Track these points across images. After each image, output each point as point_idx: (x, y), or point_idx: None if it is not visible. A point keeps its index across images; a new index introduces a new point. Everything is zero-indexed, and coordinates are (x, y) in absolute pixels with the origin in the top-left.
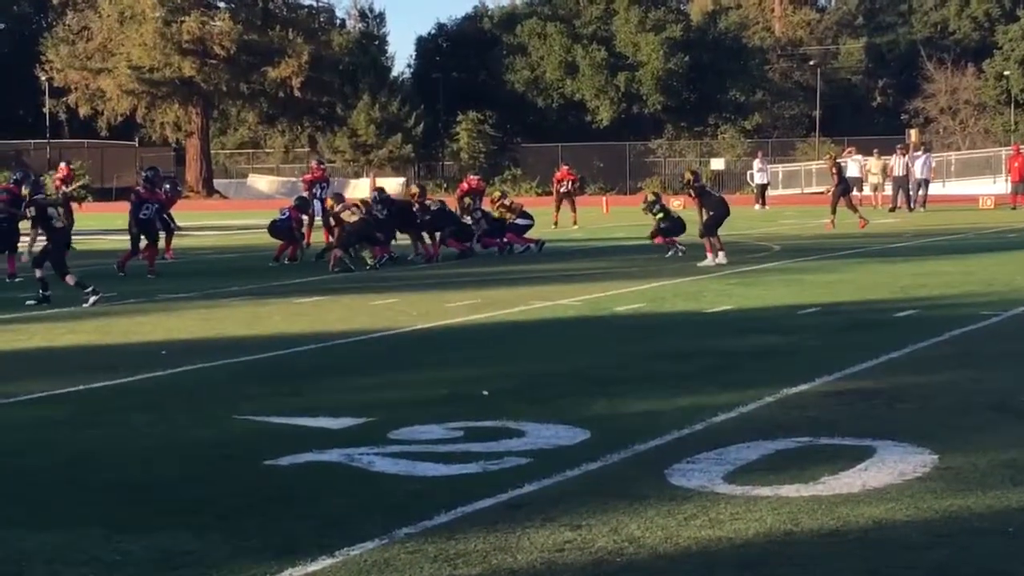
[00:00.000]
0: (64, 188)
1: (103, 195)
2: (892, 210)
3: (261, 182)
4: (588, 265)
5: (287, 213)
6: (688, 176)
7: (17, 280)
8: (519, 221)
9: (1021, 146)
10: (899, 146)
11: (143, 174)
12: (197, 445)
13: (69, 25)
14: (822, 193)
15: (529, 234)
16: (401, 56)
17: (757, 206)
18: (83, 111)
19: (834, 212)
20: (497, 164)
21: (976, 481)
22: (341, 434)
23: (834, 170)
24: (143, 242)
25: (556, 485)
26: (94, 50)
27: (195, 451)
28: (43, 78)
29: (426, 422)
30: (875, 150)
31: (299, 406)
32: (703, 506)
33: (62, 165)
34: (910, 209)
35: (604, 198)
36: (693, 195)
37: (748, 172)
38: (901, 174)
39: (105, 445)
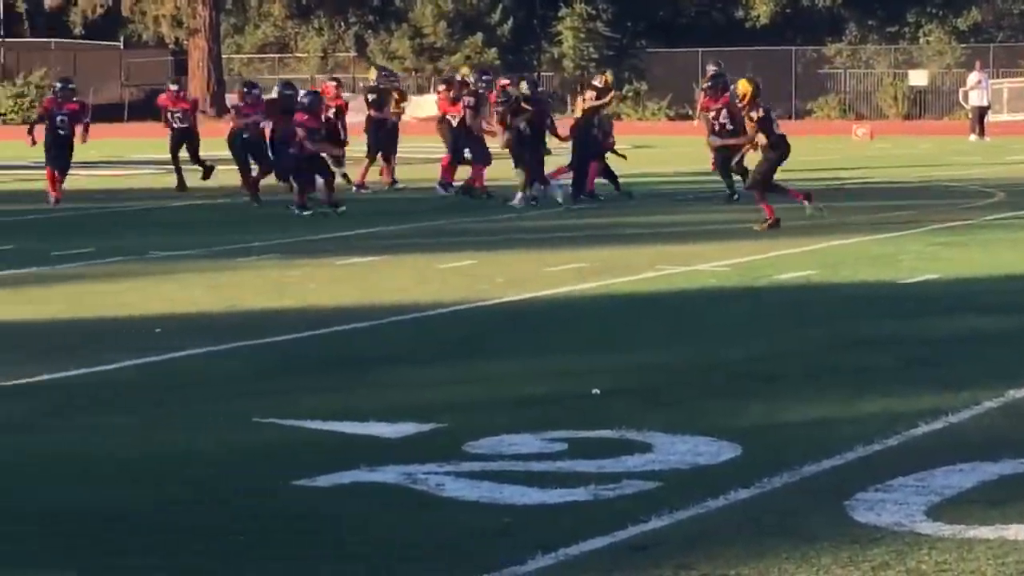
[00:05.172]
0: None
1: None
2: None
3: None
4: (736, 216)
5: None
6: (744, 91)
7: None
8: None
9: None
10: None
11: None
12: (191, 458)
13: None
14: None
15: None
16: None
17: (973, 136)
18: (50, 1)
19: None
20: (613, 76)
21: None
22: (399, 445)
23: None
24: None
25: (694, 520)
26: None
27: (188, 467)
28: None
29: (516, 431)
30: None
31: (341, 407)
32: (899, 552)
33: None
34: None
35: None
36: (753, 120)
37: (961, 90)
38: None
39: (66, 454)
